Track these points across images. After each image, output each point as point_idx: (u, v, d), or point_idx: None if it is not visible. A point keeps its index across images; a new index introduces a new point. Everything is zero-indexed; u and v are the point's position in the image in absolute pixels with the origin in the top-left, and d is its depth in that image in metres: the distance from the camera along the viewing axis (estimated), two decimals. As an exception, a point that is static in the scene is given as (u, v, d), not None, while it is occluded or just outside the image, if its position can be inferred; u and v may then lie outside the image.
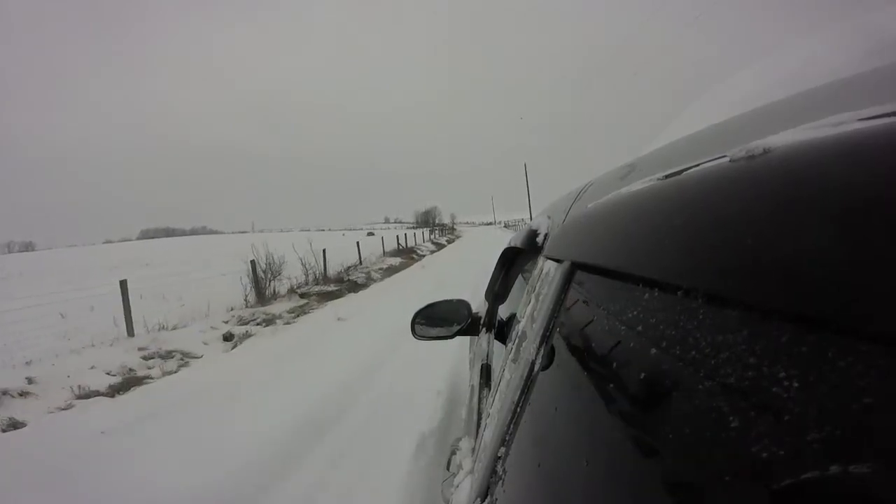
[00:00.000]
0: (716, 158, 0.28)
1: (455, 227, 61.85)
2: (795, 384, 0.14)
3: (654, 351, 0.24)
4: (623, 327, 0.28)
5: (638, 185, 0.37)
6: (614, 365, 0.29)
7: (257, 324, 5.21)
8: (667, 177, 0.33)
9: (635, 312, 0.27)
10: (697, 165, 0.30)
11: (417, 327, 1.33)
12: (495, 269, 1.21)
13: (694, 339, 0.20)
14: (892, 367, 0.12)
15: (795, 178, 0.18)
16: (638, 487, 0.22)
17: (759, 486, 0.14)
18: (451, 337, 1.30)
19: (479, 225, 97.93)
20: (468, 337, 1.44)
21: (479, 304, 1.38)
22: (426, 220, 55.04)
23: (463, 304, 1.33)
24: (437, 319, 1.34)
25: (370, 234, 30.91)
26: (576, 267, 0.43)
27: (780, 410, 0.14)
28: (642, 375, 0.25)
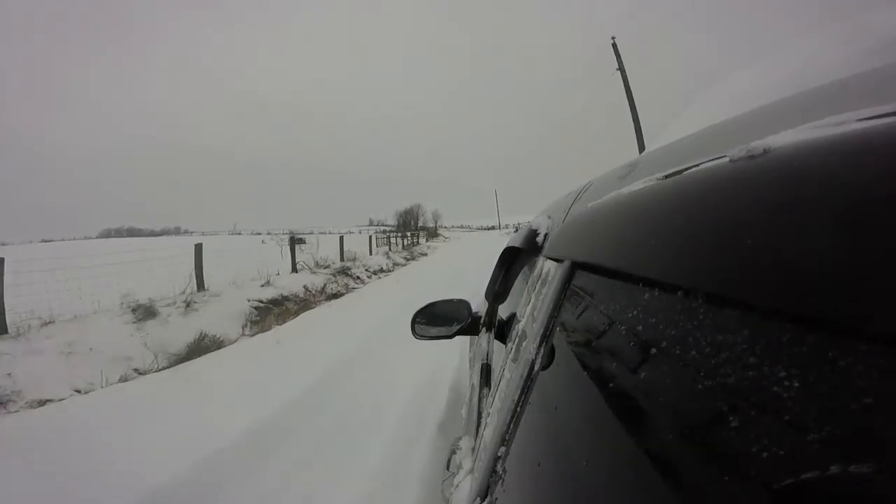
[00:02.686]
0: (716, 158, 0.28)
1: (439, 231, 45.27)
2: (795, 384, 0.14)
3: (654, 351, 0.24)
4: (623, 327, 0.28)
5: (638, 185, 0.37)
6: (614, 365, 0.29)
7: None
8: (667, 177, 0.33)
9: (635, 312, 0.27)
10: (697, 165, 0.30)
11: (417, 326, 1.33)
12: (495, 268, 1.21)
13: (694, 339, 0.20)
14: (892, 367, 0.12)
15: (795, 178, 0.18)
16: (638, 487, 0.22)
17: (759, 486, 0.14)
18: (451, 336, 1.30)
19: (478, 229, 69.55)
20: (468, 336, 1.44)
21: (479, 304, 1.38)
22: (406, 222, 41.60)
23: (463, 304, 1.33)
24: (438, 319, 1.34)
25: (299, 240, 23.38)
26: (576, 267, 0.43)
27: (780, 410, 0.14)
28: (642, 375, 0.25)
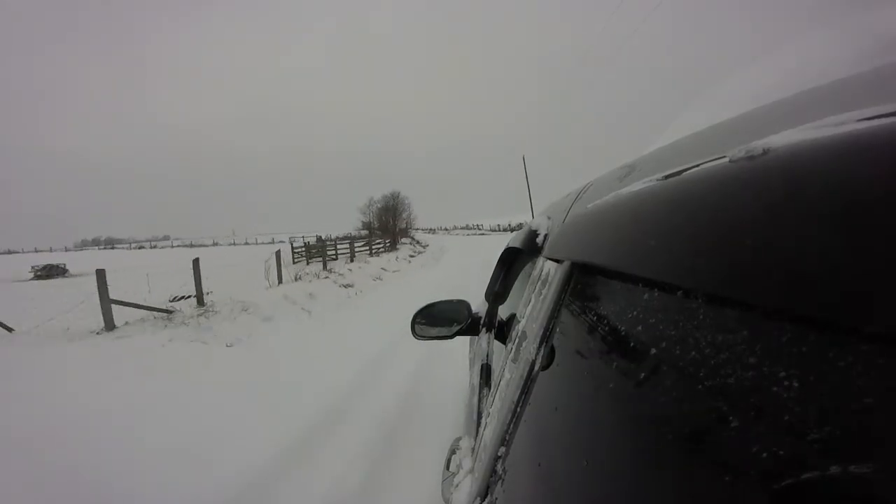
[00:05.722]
0: (716, 158, 0.28)
1: (415, 236, 31.36)
2: (795, 384, 0.14)
3: (654, 351, 0.24)
4: (623, 327, 0.28)
5: (638, 186, 0.37)
6: (614, 365, 0.29)
7: None
8: (667, 177, 0.33)
9: (635, 312, 0.27)
10: (697, 165, 0.30)
11: (417, 327, 1.33)
12: (495, 269, 1.21)
13: (694, 339, 0.20)
14: (892, 367, 0.12)
15: (795, 178, 0.18)
16: (637, 487, 0.22)
17: (759, 486, 0.14)
18: (451, 337, 1.30)
19: (492, 231, 45.52)
20: (468, 337, 1.44)
21: (479, 305, 1.38)
22: (385, 223, 29.61)
23: (463, 304, 1.33)
24: (438, 319, 1.34)
25: (51, 272, 15.39)
26: (576, 267, 0.43)
27: (780, 410, 0.14)
28: (642, 375, 0.25)
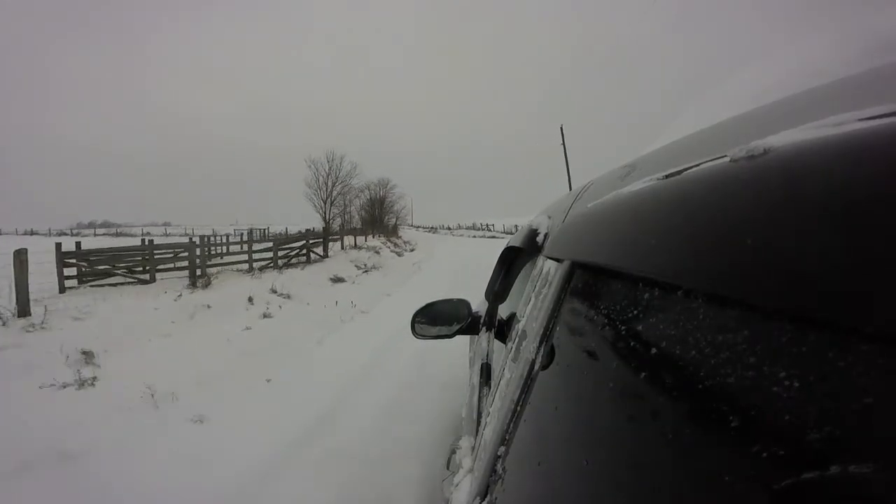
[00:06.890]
0: (716, 158, 0.28)
1: (401, 236, 22.71)
2: (795, 384, 0.14)
3: (654, 351, 0.24)
4: (623, 327, 0.28)
5: (638, 185, 0.37)
6: (614, 364, 0.29)
7: None
8: (667, 177, 0.33)
9: (635, 312, 0.27)
10: (697, 165, 0.30)
11: (418, 326, 1.33)
12: (495, 268, 1.21)
13: (694, 339, 0.20)
14: (892, 367, 0.12)
15: (795, 178, 0.18)
16: (638, 487, 0.22)
17: (759, 486, 0.15)
18: (452, 336, 1.30)
19: (506, 234, 29.74)
20: (468, 336, 1.44)
21: (479, 304, 1.38)
22: (372, 215, 23.32)
23: (463, 304, 1.33)
24: (438, 318, 1.34)
25: None
26: (576, 266, 0.43)
27: (780, 410, 0.14)
28: (642, 375, 0.25)
